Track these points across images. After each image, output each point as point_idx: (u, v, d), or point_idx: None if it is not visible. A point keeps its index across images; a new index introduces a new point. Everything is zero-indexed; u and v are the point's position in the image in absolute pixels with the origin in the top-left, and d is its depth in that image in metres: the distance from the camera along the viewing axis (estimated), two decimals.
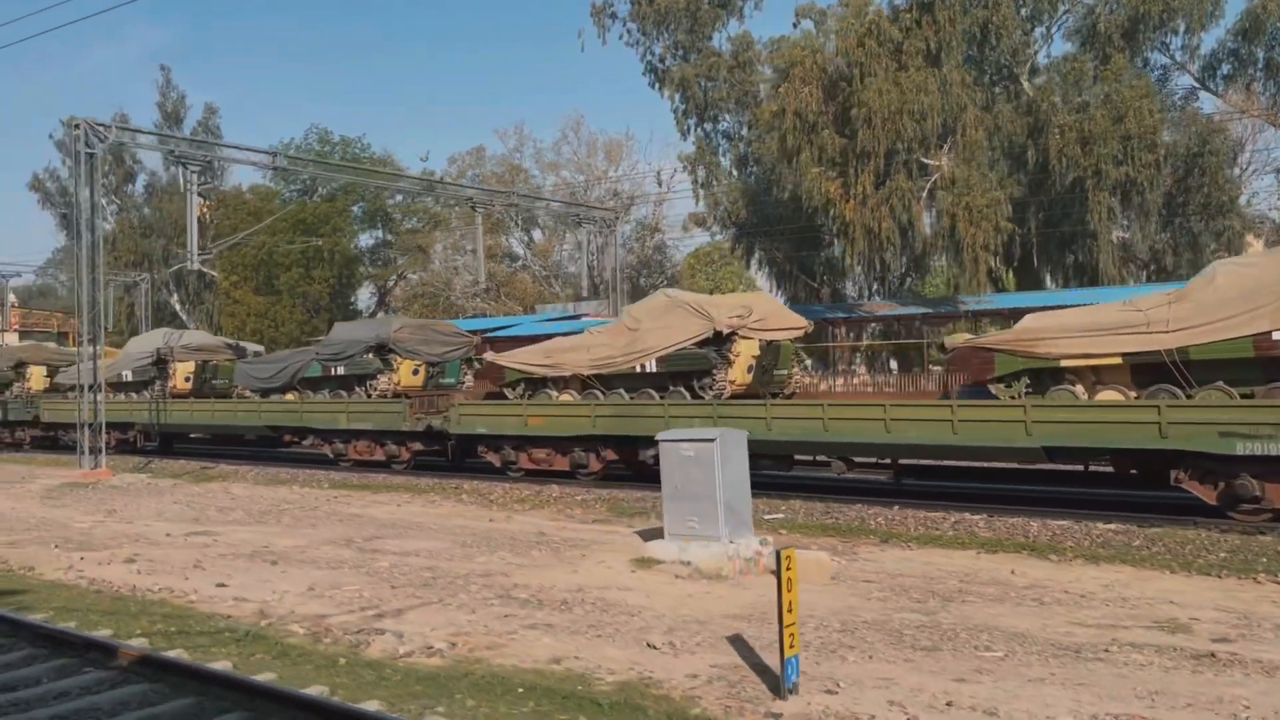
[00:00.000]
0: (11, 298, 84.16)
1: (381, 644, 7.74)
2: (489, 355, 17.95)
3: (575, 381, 16.65)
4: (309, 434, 20.63)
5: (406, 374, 19.66)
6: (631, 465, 16.63)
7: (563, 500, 15.50)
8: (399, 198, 70.70)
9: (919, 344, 32.00)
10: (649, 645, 7.49)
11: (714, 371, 14.66)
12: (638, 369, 15.50)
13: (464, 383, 20.85)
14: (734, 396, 14.89)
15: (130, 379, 24.97)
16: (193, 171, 21.67)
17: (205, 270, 68.77)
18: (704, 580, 9.68)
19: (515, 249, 68.37)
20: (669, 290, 16.48)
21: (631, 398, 15.83)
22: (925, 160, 29.93)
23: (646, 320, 15.42)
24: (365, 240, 69.44)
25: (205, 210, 70.62)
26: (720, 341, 14.74)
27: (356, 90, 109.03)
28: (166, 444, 26.33)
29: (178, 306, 68.65)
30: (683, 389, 15.23)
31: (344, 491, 17.77)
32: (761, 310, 15.16)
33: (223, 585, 10.04)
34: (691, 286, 62.21)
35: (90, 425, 20.42)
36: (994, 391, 12.37)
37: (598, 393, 16.15)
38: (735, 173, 43.45)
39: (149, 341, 25.40)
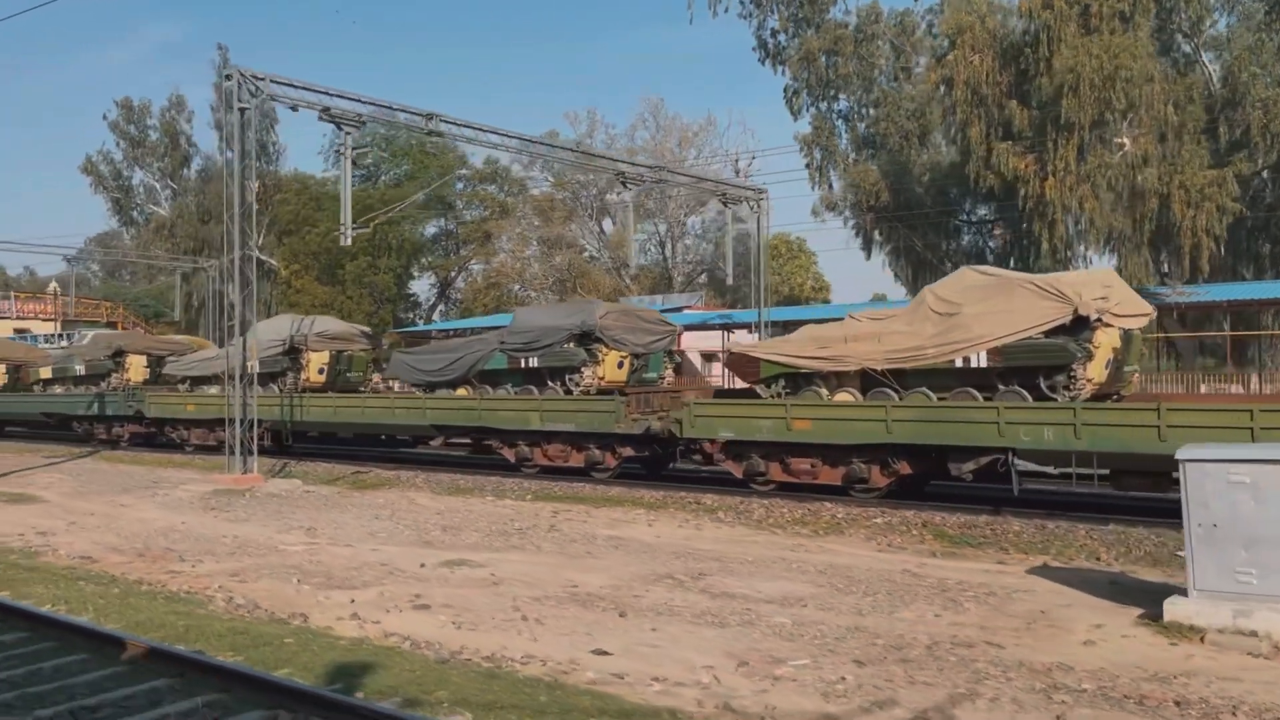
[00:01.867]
0: (53, 285, 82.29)
1: None
2: (734, 345, 15.17)
3: (853, 378, 13.85)
4: (489, 435, 17.90)
5: (611, 367, 16.89)
6: (914, 482, 13.86)
7: (857, 522, 12.71)
8: (460, 185, 68.13)
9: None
10: None
11: (1073, 367, 11.82)
12: (958, 363, 12.68)
13: (665, 378, 18.10)
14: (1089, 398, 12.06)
15: (258, 369, 22.28)
16: (347, 133, 18.98)
17: (265, 259, 66.65)
18: None
19: (580, 238, 65.43)
20: (982, 267, 13.67)
21: (940, 398, 13.03)
22: (1116, 139, 26.97)
23: (968, 303, 12.57)
24: (428, 229, 66.90)
25: (258, 192, 68.07)
26: (1078, 329, 11.90)
27: (413, 74, 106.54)
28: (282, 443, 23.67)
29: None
30: (1018, 388, 12.39)
31: (559, 505, 15.04)
32: (1118, 291, 12.32)
33: (603, 652, 7.32)
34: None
35: (241, 424, 17.80)
36: None
37: (890, 391, 13.34)
38: (853, 155, 40.61)
39: (277, 328, 22.69)
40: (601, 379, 16.85)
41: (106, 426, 26.81)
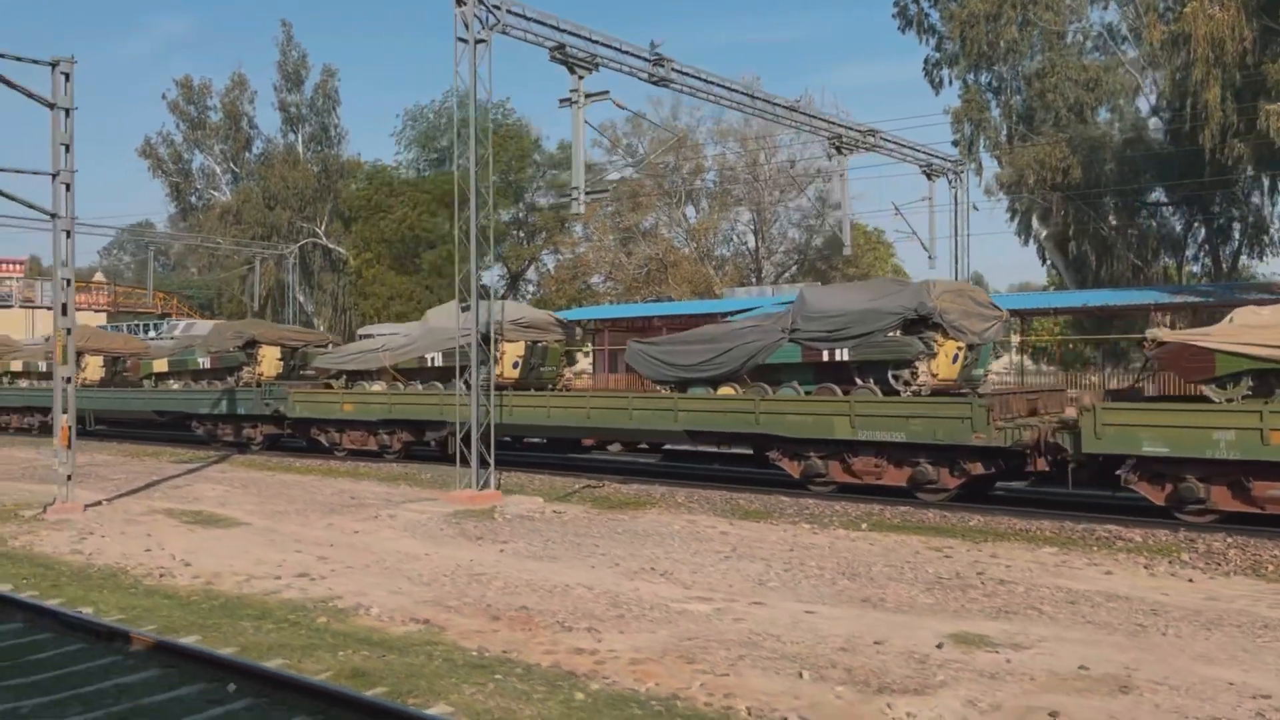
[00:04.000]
0: (98, 275, 79.24)
1: None
2: (1166, 334, 11.81)
3: None
4: (769, 444, 14.57)
5: (945, 361, 13.55)
6: None
7: None
8: (529, 171, 64.80)
9: None
10: None
11: None
12: None
13: (989, 375, 14.76)
14: None
15: (439, 363, 19.10)
16: (580, 77, 15.71)
17: (332, 247, 63.59)
18: None
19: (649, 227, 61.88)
20: None
21: None
22: None
23: None
24: (503, 217, 63.67)
25: (319, 177, 64.27)
26: None
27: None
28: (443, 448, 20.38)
29: (294, 286, 63.02)
30: None
31: (922, 538, 11.72)
32: None
33: None
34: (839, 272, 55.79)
35: (478, 429, 14.58)
36: None
37: None
38: (1005, 129, 37.21)
39: (462, 315, 19.40)
40: (935, 376, 13.51)
41: (235, 427, 23.63)
